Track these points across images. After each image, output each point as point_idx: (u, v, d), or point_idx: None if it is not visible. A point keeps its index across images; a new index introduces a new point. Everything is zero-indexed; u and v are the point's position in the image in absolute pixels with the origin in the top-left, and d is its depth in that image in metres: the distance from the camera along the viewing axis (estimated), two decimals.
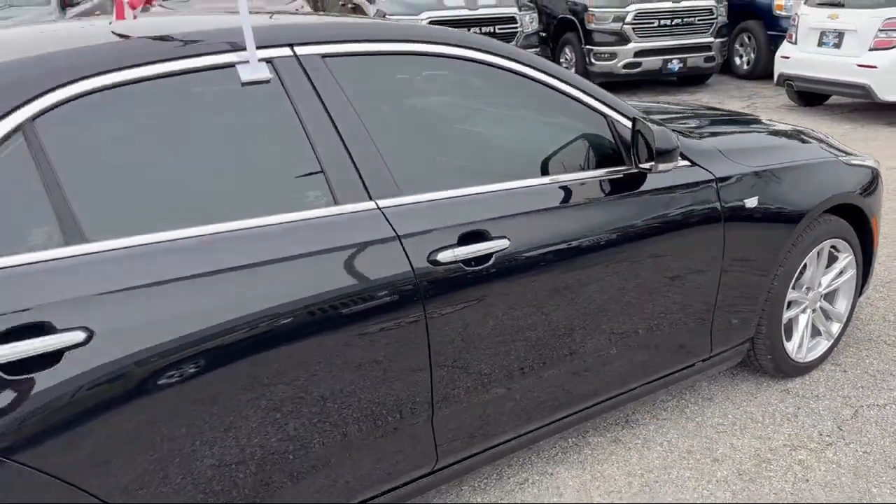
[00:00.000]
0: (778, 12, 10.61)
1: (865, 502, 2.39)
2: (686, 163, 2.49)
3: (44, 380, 1.47)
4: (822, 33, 8.22)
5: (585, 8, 9.98)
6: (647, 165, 2.30)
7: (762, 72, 10.67)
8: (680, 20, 9.94)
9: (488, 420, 2.18)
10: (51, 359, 1.48)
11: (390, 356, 1.91)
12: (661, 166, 2.28)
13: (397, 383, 1.94)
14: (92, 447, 1.53)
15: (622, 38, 9.70)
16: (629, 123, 2.38)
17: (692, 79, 10.71)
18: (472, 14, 9.19)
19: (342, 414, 1.87)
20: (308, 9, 9.57)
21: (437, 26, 2.28)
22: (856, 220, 3.06)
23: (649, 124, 2.24)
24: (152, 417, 1.59)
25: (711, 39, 10.11)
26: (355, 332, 1.83)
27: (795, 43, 8.57)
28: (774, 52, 10.00)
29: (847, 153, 3.13)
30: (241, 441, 1.72)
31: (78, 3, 9.65)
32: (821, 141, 3.13)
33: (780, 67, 8.74)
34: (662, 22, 9.81)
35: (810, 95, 8.80)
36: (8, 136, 1.54)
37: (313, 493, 1.88)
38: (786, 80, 8.65)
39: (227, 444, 1.70)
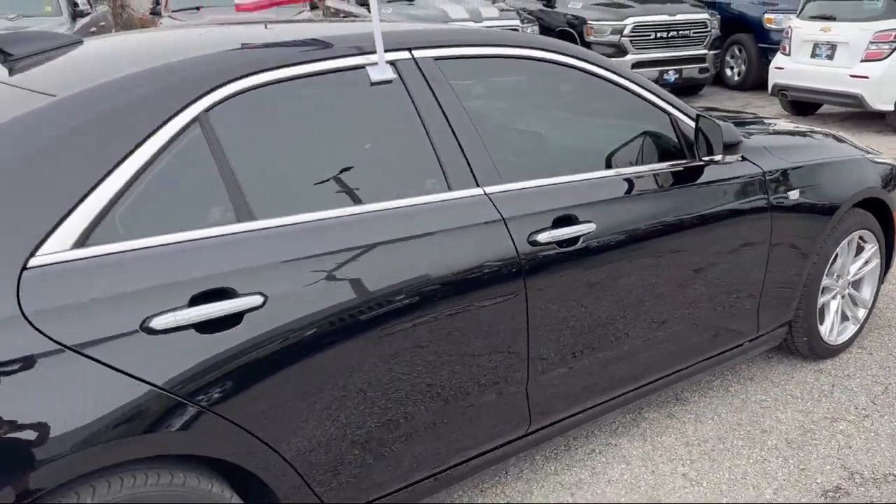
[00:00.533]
0: (768, 25, 10.99)
1: None
2: (738, 157, 2.74)
3: (229, 338, 1.67)
4: (816, 45, 8.57)
5: (584, 21, 10.28)
6: (716, 157, 2.55)
7: (753, 83, 11.03)
8: (675, 33, 10.27)
9: (574, 388, 2.40)
10: (234, 320, 1.68)
11: (495, 327, 2.12)
12: (728, 157, 2.54)
13: (500, 352, 2.15)
14: (263, 397, 1.72)
15: (620, 50, 10.00)
16: (689, 121, 2.62)
17: (686, 89, 11.04)
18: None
19: (457, 376, 2.08)
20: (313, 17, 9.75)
21: (533, 35, 2.51)
22: (879, 212, 3.32)
23: (716, 120, 2.49)
24: (314, 371, 1.79)
25: (705, 51, 10.44)
26: (468, 303, 2.05)
27: (789, 54, 8.92)
28: (764, 63, 10.37)
29: (869, 152, 3.40)
30: (378, 389, 1.92)
31: (87, 14, 9.81)
32: (846, 141, 3.40)
33: (774, 78, 9.07)
34: (659, 34, 10.13)
35: (803, 105, 9.15)
36: (187, 125, 1.75)
37: (427, 448, 2.09)
38: (780, 91, 8.99)
39: (371, 392, 1.90)
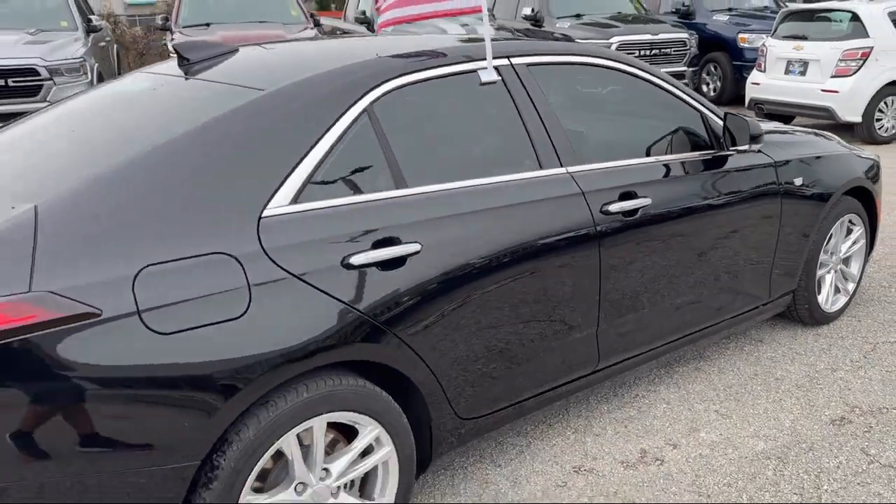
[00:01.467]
0: (742, 44, 11.75)
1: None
2: (758, 148, 3.31)
3: (397, 277, 2.18)
4: (789, 62, 9.30)
5: (571, 40, 10.93)
6: (742, 147, 3.12)
7: (728, 98, 11.76)
8: (658, 51, 10.97)
9: (631, 335, 2.93)
10: (400, 262, 2.19)
11: (578, 278, 2.65)
12: (755, 146, 3.11)
13: (578, 300, 2.68)
14: (418, 320, 2.22)
15: None
16: (715, 118, 3.20)
17: None
18: None
19: (552, 316, 2.60)
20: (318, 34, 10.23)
21: (600, 47, 3.06)
22: (865, 200, 3.92)
23: (743, 116, 3.06)
24: (452, 303, 2.30)
25: (685, 68, 11.15)
26: (557, 257, 2.57)
27: (764, 71, 9.64)
28: (738, 80, 11.12)
29: (853, 149, 4.01)
30: (496, 321, 2.43)
31: (100, 30, 10.20)
32: (834, 139, 4.01)
33: (751, 92, 9.79)
34: (642, 52, 10.81)
35: (777, 117, 9.86)
36: (359, 116, 2.26)
37: (529, 375, 2.61)
38: (756, 104, 9.70)
39: (491, 322, 2.42)
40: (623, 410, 3.18)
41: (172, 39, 9.82)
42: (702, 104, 3.20)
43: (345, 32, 12.57)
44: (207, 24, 9.98)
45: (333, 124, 2.20)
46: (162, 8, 18.24)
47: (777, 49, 9.50)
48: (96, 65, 9.25)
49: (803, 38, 9.28)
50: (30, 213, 1.81)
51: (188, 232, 1.91)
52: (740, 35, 11.83)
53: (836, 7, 9.67)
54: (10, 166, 2.27)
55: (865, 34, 8.72)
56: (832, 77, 8.78)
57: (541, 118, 2.66)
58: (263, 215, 2.02)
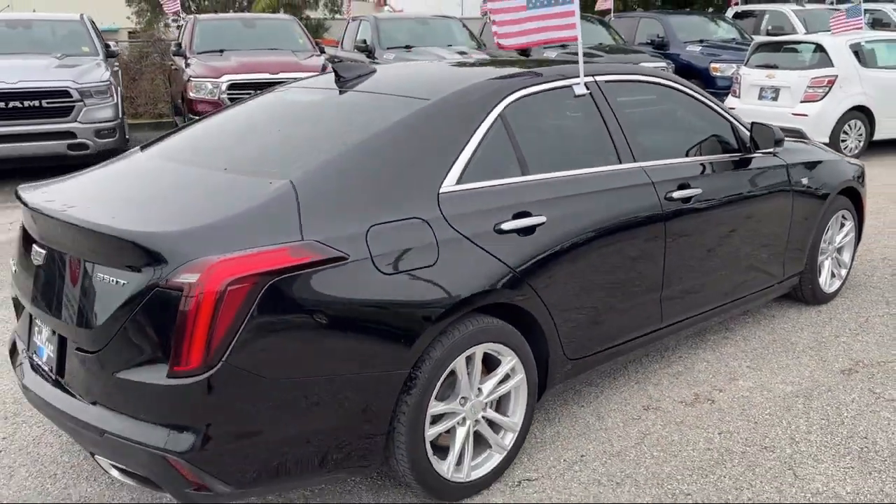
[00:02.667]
0: (714, 73, 12.71)
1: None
2: (773, 152, 4.05)
3: (529, 241, 2.83)
4: (762, 89, 10.24)
5: None
6: (768, 150, 3.86)
7: None
8: None
9: (684, 299, 3.61)
10: (531, 230, 2.84)
11: (648, 250, 3.33)
12: (778, 149, 3.84)
13: (650, 268, 3.35)
14: (544, 275, 2.87)
15: None
16: (741, 126, 3.93)
17: None
18: None
19: (632, 279, 3.28)
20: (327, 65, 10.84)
21: (657, 69, 3.78)
22: (854, 199, 4.69)
23: (768, 125, 3.80)
24: (569, 264, 2.96)
25: None
26: (635, 232, 3.25)
27: (739, 97, 10.57)
28: None
29: (844, 156, 4.79)
30: (597, 280, 3.09)
31: (118, 55, 10.71)
32: (827, 148, 4.79)
33: None
34: None
35: None
36: (496, 119, 2.92)
37: (616, 327, 3.27)
38: None
39: (594, 281, 3.07)
40: (672, 367, 3.86)
41: (188, 65, 10.33)
42: (731, 115, 3.93)
43: (343, 60, 13.22)
44: (221, 51, 10.52)
45: (480, 125, 2.86)
46: (149, 35, 18.77)
47: (750, 77, 10.43)
48: (119, 87, 9.75)
49: (774, 66, 10.23)
50: (287, 186, 2.43)
51: (395, 202, 2.55)
52: (712, 64, 12.80)
53: (803, 39, 10.68)
54: (228, 154, 2.89)
55: (830, 64, 9.69)
56: (802, 102, 9.71)
57: (618, 123, 3.35)
58: (440, 191, 2.67)
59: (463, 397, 2.72)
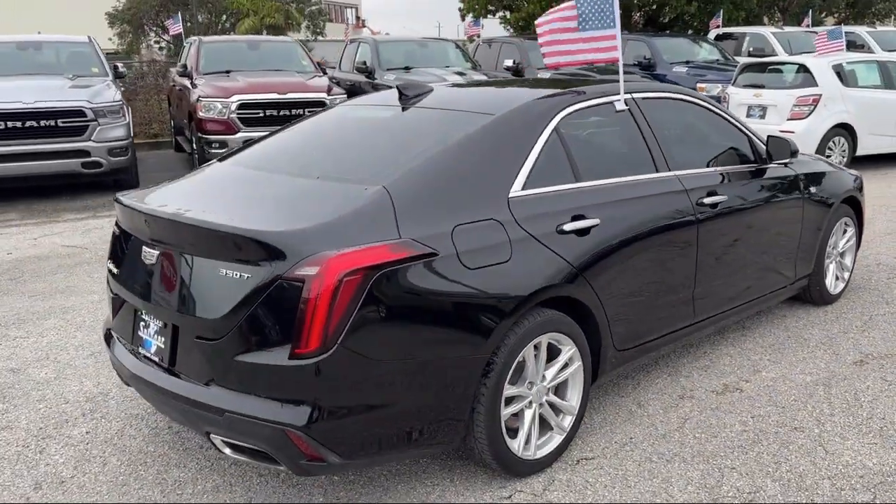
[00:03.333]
0: (700, 93, 13.17)
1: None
2: (785, 162, 4.41)
3: (585, 241, 3.14)
4: (749, 107, 10.70)
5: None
6: (784, 160, 4.21)
7: None
8: None
9: (713, 297, 3.93)
10: (587, 231, 3.15)
11: (683, 251, 3.65)
12: (793, 160, 4.20)
13: (685, 267, 3.68)
14: (598, 271, 3.18)
15: None
16: (756, 139, 4.29)
17: None
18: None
19: (668, 278, 3.59)
20: (334, 86, 11.13)
21: (684, 88, 4.12)
22: (854, 207, 5.07)
23: (783, 137, 4.16)
24: (620, 261, 3.27)
25: None
26: (672, 234, 3.57)
27: None
28: None
29: (844, 168, 5.17)
30: (641, 277, 3.40)
31: (125, 76, 10.94)
32: (830, 161, 5.17)
33: None
34: None
35: None
36: (552, 132, 3.23)
37: (657, 321, 3.57)
38: None
39: (638, 277, 3.38)
40: (699, 361, 4.17)
41: (195, 85, 10.58)
42: (748, 130, 4.29)
43: (339, 82, 13.52)
44: (228, 72, 10.79)
45: (539, 137, 3.18)
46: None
47: (738, 96, 10.90)
48: (128, 106, 9.98)
49: (761, 86, 10.71)
50: (382, 192, 2.71)
51: (473, 205, 2.85)
52: (698, 84, 13.23)
53: (787, 60, 11.18)
54: (315, 163, 3.19)
55: (814, 83, 10.18)
56: (788, 120, 10.17)
57: (654, 135, 3.69)
58: (510, 196, 2.97)
59: (530, 382, 3.01)
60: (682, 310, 3.75)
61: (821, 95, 10.08)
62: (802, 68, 10.49)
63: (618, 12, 3.73)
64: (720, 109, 4.20)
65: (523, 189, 3.04)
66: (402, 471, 3.11)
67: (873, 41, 16.50)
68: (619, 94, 3.65)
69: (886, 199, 8.56)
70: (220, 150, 9.87)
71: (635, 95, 3.72)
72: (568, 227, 3.08)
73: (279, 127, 3.84)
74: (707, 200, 3.76)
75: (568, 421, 3.19)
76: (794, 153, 4.27)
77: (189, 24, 45.26)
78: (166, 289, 2.79)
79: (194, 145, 10.53)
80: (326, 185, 2.93)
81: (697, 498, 2.92)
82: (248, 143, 3.72)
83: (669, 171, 3.69)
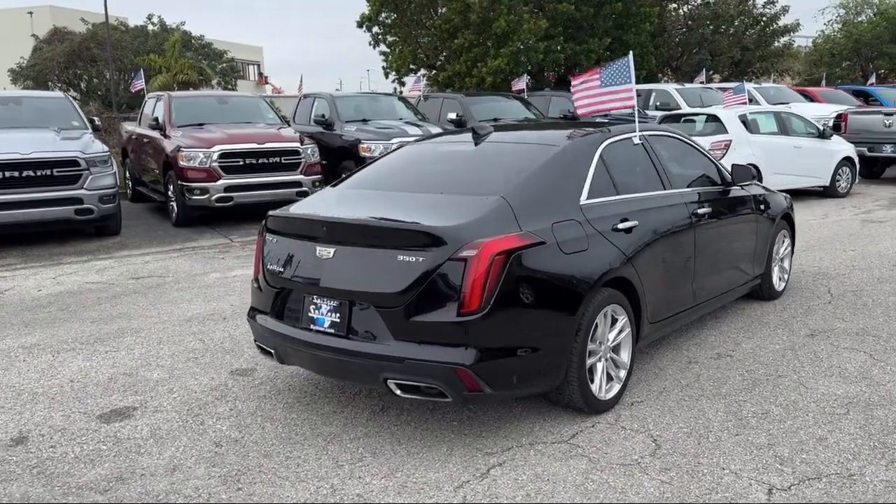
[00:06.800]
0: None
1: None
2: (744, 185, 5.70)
3: (630, 237, 4.24)
4: None
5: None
6: (746, 184, 5.49)
7: None
8: None
9: (705, 286, 5.10)
10: (630, 230, 4.25)
11: (686, 249, 4.81)
12: (753, 182, 5.48)
13: (686, 263, 4.83)
14: (639, 260, 4.27)
15: None
16: (722, 167, 5.56)
17: None
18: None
19: (678, 268, 4.73)
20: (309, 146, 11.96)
21: (672, 129, 5.32)
22: (788, 222, 6.44)
23: (745, 166, 5.43)
24: (653, 254, 4.37)
25: None
26: (679, 237, 4.73)
27: None
28: None
29: (776, 192, 6.55)
30: (664, 266, 4.52)
31: (100, 129, 11.49)
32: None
33: None
34: None
35: None
36: (599, 158, 4.34)
37: (673, 300, 4.68)
38: None
39: (662, 266, 4.49)
40: (692, 340, 5.32)
41: (168, 137, 11.24)
42: (714, 159, 5.56)
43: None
44: (201, 125, 11.50)
45: (592, 161, 4.29)
46: None
47: None
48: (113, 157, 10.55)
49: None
50: (501, 200, 3.73)
51: (560, 209, 3.91)
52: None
53: (701, 112, 12.89)
54: (430, 183, 4.17)
55: (725, 131, 11.87)
56: None
57: (661, 162, 4.87)
58: (580, 203, 4.05)
59: (600, 342, 4.04)
60: (686, 295, 4.89)
61: (731, 141, 11.75)
62: (714, 118, 12.19)
63: (633, 71, 4.94)
64: (696, 144, 5.45)
65: (588, 198, 4.12)
66: (503, 415, 4.06)
67: (759, 95, 18.78)
68: (634, 132, 4.83)
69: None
70: (202, 197, 10.57)
71: (645, 134, 4.91)
72: (620, 226, 4.17)
73: (369, 162, 4.80)
74: (699, 211, 4.96)
75: (623, 373, 4.23)
76: (754, 177, 5.56)
77: (96, 80, 44.72)
78: (343, 275, 3.68)
79: (170, 193, 11.14)
80: (451, 197, 3.92)
81: (724, 418, 4.01)
82: (348, 174, 4.67)
83: (673, 188, 4.87)
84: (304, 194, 11.28)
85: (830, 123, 15.25)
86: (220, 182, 10.56)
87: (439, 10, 22.66)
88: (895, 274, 7.22)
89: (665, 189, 4.82)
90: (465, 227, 3.52)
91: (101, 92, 40.64)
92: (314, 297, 3.83)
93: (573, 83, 5.23)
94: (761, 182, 11.93)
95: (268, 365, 4.96)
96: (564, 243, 3.78)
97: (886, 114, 14.78)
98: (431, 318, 3.46)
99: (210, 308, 6.49)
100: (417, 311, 3.48)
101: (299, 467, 3.59)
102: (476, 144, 4.59)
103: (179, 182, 10.67)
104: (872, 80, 29.09)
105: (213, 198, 10.56)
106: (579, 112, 5.24)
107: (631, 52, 5.02)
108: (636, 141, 4.77)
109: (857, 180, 13.49)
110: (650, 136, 4.96)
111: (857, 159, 13.38)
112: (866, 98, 21.95)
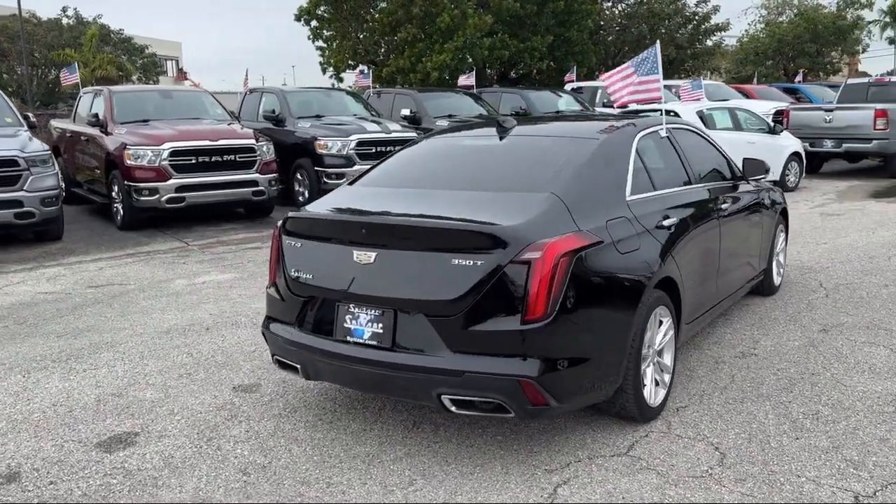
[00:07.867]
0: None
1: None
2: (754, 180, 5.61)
3: (672, 234, 4.03)
4: None
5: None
6: (759, 178, 5.38)
7: None
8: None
9: (727, 279, 4.96)
10: (671, 227, 4.05)
11: (714, 245, 4.65)
12: (764, 177, 5.38)
13: (713, 258, 4.68)
14: (678, 252, 4.07)
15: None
16: (735, 162, 5.44)
17: None
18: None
19: (707, 265, 4.57)
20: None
21: (688, 123, 5.16)
22: (784, 217, 6.40)
23: (758, 160, 5.33)
24: (687, 249, 4.18)
25: None
26: (708, 230, 4.56)
27: None
28: None
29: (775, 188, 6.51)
30: (693, 260, 4.34)
31: (35, 126, 10.69)
32: None
33: None
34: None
35: None
36: (636, 151, 4.12)
37: (706, 295, 4.52)
38: None
39: (695, 262, 4.32)
40: (709, 339, 5.19)
41: (109, 134, 10.54)
42: (726, 154, 5.44)
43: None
44: (146, 121, 10.83)
45: (630, 154, 4.07)
46: None
47: None
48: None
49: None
50: (552, 197, 3.47)
51: (611, 206, 3.67)
52: None
53: (657, 108, 12.89)
54: (465, 179, 3.87)
55: None
56: None
57: (686, 155, 4.70)
58: (627, 199, 3.82)
59: (649, 345, 3.83)
60: (712, 292, 4.74)
61: None
62: (671, 113, 12.23)
63: (660, 61, 4.76)
64: (710, 138, 5.32)
65: (632, 194, 3.90)
66: (548, 428, 3.80)
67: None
68: (659, 124, 4.64)
69: None
70: (151, 198, 9.93)
71: (670, 127, 4.73)
72: (665, 223, 3.97)
73: (381, 159, 4.46)
74: (722, 206, 4.81)
75: (667, 378, 4.03)
76: (766, 171, 5.48)
77: (6, 76, 42.39)
78: (386, 281, 3.34)
79: (114, 194, 10.45)
80: (495, 195, 3.63)
81: (777, 421, 3.85)
82: (365, 171, 4.31)
83: (700, 183, 4.71)
84: (261, 193, 10.82)
85: (770, 119, 15.62)
86: (171, 181, 9.96)
87: (379, 5, 22.24)
88: (876, 266, 7.31)
89: (691, 183, 4.65)
90: (525, 227, 3.24)
91: (13, 88, 38.53)
92: (350, 305, 3.48)
93: (602, 77, 5.05)
94: None
95: (272, 380, 4.56)
96: (619, 242, 3.55)
97: (827, 110, 15.20)
98: (492, 326, 3.17)
99: (187, 318, 6.01)
100: (476, 319, 3.18)
101: (345, 495, 3.24)
102: (501, 138, 4.31)
103: (126, 182, 10.01)
104: (800, 77, 30.20)
105: (164, 198, 9.94)
106: (617, 102, 5.09)
107: (658, 42, 4.87)
108: (663, 133, 4.59)
109: (803, 175, 13.81)
110: (673, 129, 4.78)
111: (804, 154, 13.70)
112: (795, 94, 22.70)
